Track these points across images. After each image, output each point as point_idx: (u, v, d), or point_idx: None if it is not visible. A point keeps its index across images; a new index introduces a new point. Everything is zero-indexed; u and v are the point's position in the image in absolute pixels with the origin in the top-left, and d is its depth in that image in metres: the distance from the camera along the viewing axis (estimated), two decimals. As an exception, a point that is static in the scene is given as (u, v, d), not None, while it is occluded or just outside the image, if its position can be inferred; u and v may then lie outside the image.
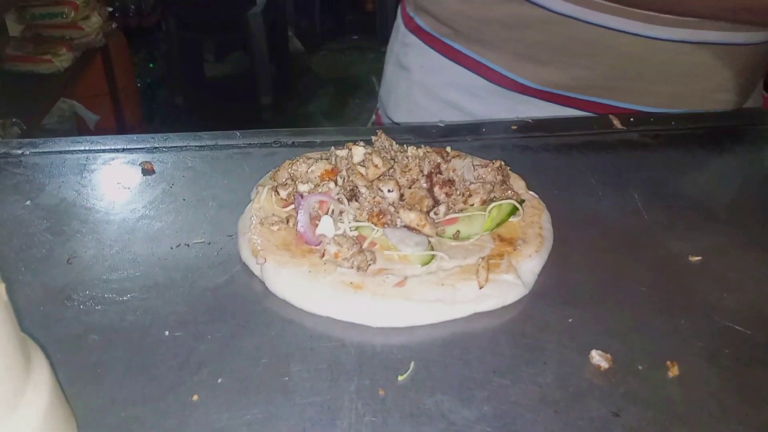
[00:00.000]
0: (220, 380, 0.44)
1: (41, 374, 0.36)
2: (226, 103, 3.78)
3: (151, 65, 3.81)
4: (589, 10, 0.76)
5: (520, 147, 0.67)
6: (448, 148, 0.62)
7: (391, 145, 0.61)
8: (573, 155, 0.72)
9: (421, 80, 0.91)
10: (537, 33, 0.79)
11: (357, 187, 0.54)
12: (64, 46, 2.48)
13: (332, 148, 0.62)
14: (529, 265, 0.52)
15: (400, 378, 0.44)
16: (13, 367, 0.33)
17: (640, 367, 0.46)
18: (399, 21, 0.98)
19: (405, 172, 0.56)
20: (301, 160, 0.59)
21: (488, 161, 0.61)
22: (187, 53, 3.75)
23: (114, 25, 2.87)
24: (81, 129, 2.67)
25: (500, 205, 0.55)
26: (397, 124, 0.95)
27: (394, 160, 0.57)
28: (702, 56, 0.78)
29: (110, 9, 2.93)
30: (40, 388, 0.35)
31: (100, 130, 2.69)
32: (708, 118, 0.81)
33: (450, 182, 0.56)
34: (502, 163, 0.61)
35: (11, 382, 0.33)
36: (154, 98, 3.67)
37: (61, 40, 2.52)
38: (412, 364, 0.45)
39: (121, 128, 2.96)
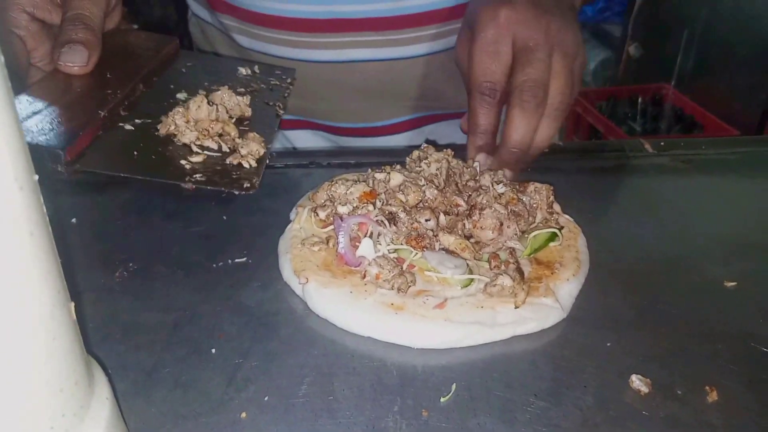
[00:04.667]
0: (266, 398, 0.45)
1: (102, 390, 0.37)
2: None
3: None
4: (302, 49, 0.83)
5: (552, 169, 0.68)
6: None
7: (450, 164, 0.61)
8: (606, 178, 0.73)
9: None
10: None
11: (396, 212, 0.55)
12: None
13: (369, 170, 0.63)
14: (566, 288, 0.53)
15: (442, 399, 0.45)
16: (80, 382, 0.34)
17: (679, 392, 0.46)
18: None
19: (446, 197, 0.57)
20: (340, 182, 0.60)
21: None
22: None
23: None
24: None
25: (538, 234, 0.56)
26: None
27: (437, 187, 0.58)
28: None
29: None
30: (103, 403, 0.36)
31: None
32: (737, 143, 0.82)
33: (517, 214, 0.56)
34: (550, 187, 0.61)
35: (78, 396, 0.34)
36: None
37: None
38: (453, 386, 0.46)
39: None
